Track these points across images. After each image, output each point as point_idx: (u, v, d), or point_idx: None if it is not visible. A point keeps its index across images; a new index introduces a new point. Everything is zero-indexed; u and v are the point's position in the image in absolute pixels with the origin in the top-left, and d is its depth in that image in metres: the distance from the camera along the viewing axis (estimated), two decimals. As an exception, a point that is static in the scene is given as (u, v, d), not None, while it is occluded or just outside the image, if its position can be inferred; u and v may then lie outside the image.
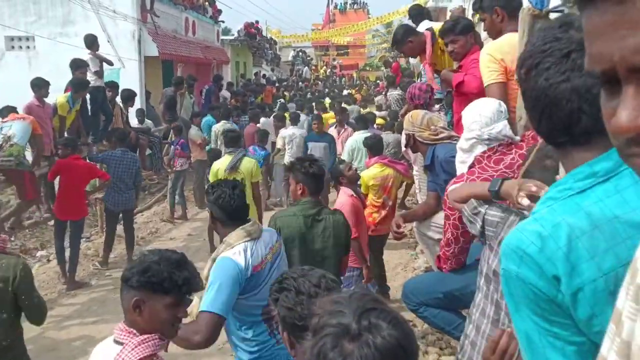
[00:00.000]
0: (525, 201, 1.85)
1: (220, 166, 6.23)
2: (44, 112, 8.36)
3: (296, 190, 3.64)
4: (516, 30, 3.26)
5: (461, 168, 2.99)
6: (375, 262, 5.87)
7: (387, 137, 8.67)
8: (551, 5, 2.84)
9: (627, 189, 1.03)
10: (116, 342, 1.97)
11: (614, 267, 0.98)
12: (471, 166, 2.84)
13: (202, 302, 2.59)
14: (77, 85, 8.75)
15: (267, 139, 9.21)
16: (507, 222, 2.12)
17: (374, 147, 6.27)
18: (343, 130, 9.65)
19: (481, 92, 3.54)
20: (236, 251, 2.71)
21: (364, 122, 8.64)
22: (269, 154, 9.40)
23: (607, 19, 0.59)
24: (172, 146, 9.78)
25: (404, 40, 4.97)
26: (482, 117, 2.85)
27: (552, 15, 2.85)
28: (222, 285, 2.58)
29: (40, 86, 8.27)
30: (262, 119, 11.02)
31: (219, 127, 9.68)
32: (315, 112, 12.15)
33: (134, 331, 1.95)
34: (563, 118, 1.09)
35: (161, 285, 1.95)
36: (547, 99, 1.11)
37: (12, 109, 8.01)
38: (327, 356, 1.10)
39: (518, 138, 2.84)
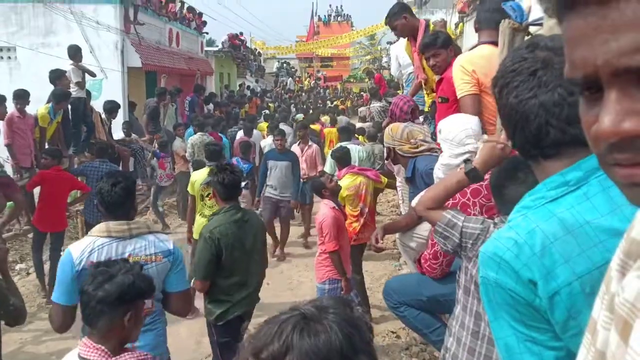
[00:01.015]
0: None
1: (197, 178, 6.16)
2: (24, 123, 8.28)
3: (215, 196, 4.09)
4: (488, 43, 3.32)
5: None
6: (358, 272, 5.88)
7: (374, 147, 8.72)
8: (531, 19, 2.88)
9: (595, 196, 1.08)
10: (82, 358, 2.01)
11: (588, 270, 1.03)
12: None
13: None
14: (59, 97, 8.66)
15: (250, 151, 8.87)
16: (487, 233, 2.14)
17: (341, 159, 6.39)
18: (307, 147, 9.02)
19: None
20: (80, 243, 2.86)
21: (347, 133, 8.65)
22: (252, 166, 9.23)
23: (588, 23, 0.59)
24: (155, 157, 9.72)
25: (400, 14, 4.91)
26: (472, 129, 2.87)
27: (532, 29, 2.90)
28: (58, 275, 2.80)
29: (21, 97, 8.18)
30: (255, 132, 11.01)
31: (196, 138, 9.69)
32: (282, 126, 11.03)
33: (103, 348, 2.00)
34: (533, 132, 1.16)
35: (148, 292, 2.17)
36: (517, 114, 1.19)
37: None
38: (318, 348, 1.01)
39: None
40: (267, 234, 5.71)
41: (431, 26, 4.69)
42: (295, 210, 9.00)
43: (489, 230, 2.15)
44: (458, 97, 3.36)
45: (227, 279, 3.84)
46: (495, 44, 3.32)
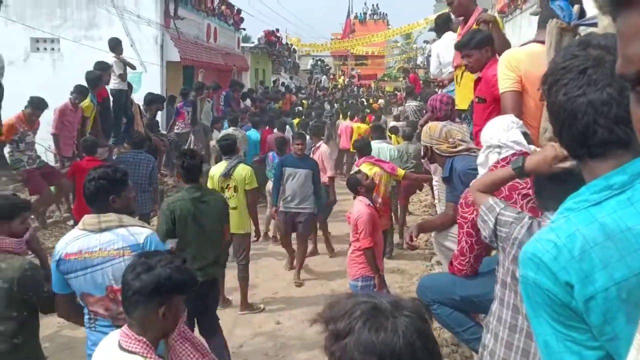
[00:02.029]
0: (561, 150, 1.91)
1: (215, 172, 6.23)
2: (74, 116, 8.58)
3: (178, 177, 4.62)
4: (540, 42, 3.26)
5: None
6: None
7: (408, 147, 8.67)
8: (581, 19, 2.83)
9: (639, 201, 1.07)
10: (123, 349, 1.99)
11: (626, 276, 1.02)
12: None
13: None
14: (93, 81, 8.92)
15: (286, 147, 8.42)
16: (521, 223, 2.14)
17: (361, 149, 6.75)
18: (314, 147, 8.40)
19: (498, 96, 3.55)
20: (67, 234, 3.00)
21: (380, 131, 8.64)
22: None
23: None
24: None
25: None
26: (495, 127, 2.87)
27: (581, 29, 2.85)
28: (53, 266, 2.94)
29: (81, 93, 8.53)
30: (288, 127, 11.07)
31: (229, 133, 9.73)
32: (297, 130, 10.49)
33: (144, 339, 2.00)
34: (580, 130, 1.17)
35: (185, 286, 2.10)
36: (565, 112, 1.19)
37: None
38: (377, 341, 1.07)
39: (532, 147, 2.84)
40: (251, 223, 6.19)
41: (498, 21, 4.60)
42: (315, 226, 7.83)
43: (523, 221, 2.14)
44: (500, 92, 3.31)
45: (182, 251, 4.23)
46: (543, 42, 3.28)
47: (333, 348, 1.12)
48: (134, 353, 1.97)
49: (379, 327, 1.09)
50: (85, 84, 8.88)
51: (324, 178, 7.88)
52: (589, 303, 1.04)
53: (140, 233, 2.90)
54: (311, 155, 7.96)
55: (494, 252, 3.22)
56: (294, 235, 7.29)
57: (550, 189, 2.05)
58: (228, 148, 6.33)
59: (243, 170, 6.11)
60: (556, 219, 1.15)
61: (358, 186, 5.14)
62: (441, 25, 6.62)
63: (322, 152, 8.15)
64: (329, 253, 8.06)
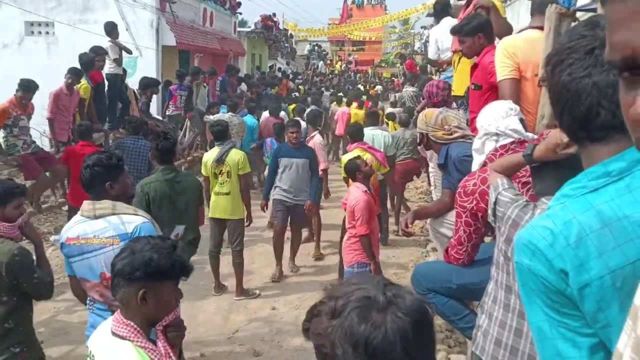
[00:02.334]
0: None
1: (208, 158, 6.20)
2: (70, 100, 8.50)
3: (153, 159, 4.73)
4: (537, 28, 3.24)
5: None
6: None
7: (404, 133, 8.66)
8: (579, 4, 2.81)
9: (638, 189, 1.06)
10: (114, 334, 1.99)
11: (621, 265, 1.02)
12: (483, 164, 2.84)
13: None
14: (86, 64, 8.86)
15: (283, 133, 8.56)
16: (516, 203, 2.14)
17: (354, 134, 6.75)
18: (310, 136, 8.06)
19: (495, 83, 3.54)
20: (72, 219, 3.05)
21: (374, 117, 8.61)
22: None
23: (627, 7, 0.61)
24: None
25: None
26: (491, 114, 2.87)
27: (579, 14, 2.83)
28: None
29: (75, 74, 8.44)
30: (282, 113, 11.00)
31: (225, 118, 9.55)
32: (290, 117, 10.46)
33: (132, 324, 1.99)
34: (583, 112, 1.14)
35: (166, 273, 2.04)
36: (568, 93, 1.16)
37: None
38: (358, 330, 1.08)
39: (530, 135, 2.84)
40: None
41: (498, 6, 4.57)
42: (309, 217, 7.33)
43: (519, 202, 2.14)
44: (497, 80, 3.30)
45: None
46: (541, 28, 3.25)
47: (322, 325, 1.13)
48: (124, 338, 1.96)
49: (364, 318, 1.09)
50: (79, 66, 8.83)
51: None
52: (583, 291, 1.03)
53: (131, 222, 2.90)
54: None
55: (488, 239, 3.23)
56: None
57: (545, 174, 2.05)
58: (220, 134, 6.29)
59: (236, 155, 6.08)
60: (552, 205, 1.14)
61: (357, 172, 5.13)
62: (440, 11, 6.60)
63: (315, 142, 7.68)
64: (315, 254, 7.56)
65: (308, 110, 10.04)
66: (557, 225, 1.07)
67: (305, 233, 7.71)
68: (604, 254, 1.03)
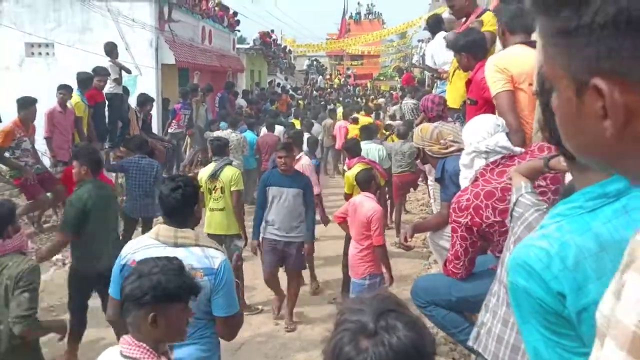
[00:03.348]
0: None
1: (203, 174, 6.21)
2: (65, 118, 8.53)
3: (80, 171, 4.56)
4: (522, 44, 3.29)
5: (465, 184, 3.03)
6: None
7: (403, 146, 8.69)
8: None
9: (635, 210, 1.06)
10: (124, 356, 1.98)
11: None
12: (475, 179, 2.88)
13: None
14: (83, 82, 8.91)
15: (317, 147, 8.33)
16: (537, 207, 2.15)
17: (351, 149, 6.86)
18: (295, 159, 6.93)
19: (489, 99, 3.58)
20: (134, 240, 2.96)
21: (367, 132, 8.68)
22: (319, 163, 8.99)
23: None
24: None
25: None
26: (479, 131, 2.89)
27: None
28: (113, 269, 2.90)
29: (65, 88, 8.47)
30: (316, 125, 10.91)
31: (225, 135, 9.65)
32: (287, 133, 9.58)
33: (144, 345, 1.98)
34: None
35: (175, 296, 2.04)
36: None
37: None
38: (343, 349, 1.15)
39: (518, 149, 2.88)
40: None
41: (487, 23, 4.64)
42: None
43: (540, 208, 2.14)
44: (492, 95, 3.33)
45: (87, 245, 4.53)
46: (528, 44, 3.29)
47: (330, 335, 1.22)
48: (135, 359, 1.96)
49: (351, 340, 1.15)
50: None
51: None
52: (581, 314, 1.03)
53: (215, 257, 2.77)
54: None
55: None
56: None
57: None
58: (219, 149, 6.34)
59: (230, 172, 6.09)
60: (546, 224, 1.13)
61: (372, 181, 5.23)
62: (433, 26, 6.68)
63: (304, 165, 6.72)
64: (311, 284, 6.81)
65: (292, 132, 9.33)
66: (553, 246, 1.07)
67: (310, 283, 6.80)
68: (603, 278, 1.02)
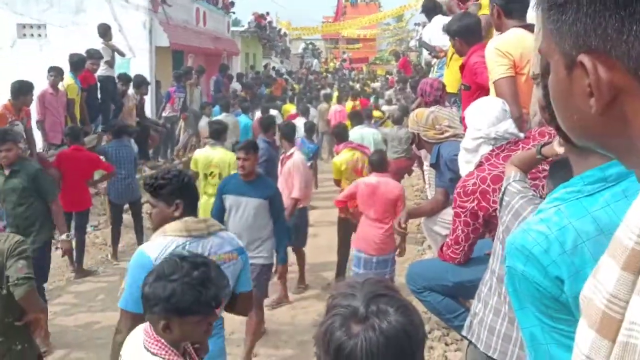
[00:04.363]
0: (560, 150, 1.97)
1: (199, 155, 6.29)
2: (56, 100, 8.43)
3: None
4: (518, 26, 3.25)
5: (466, 168, 3.01)
6: (342, 249, 6.26)
7: (399, 132, 8.66)
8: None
9: (635, 194, 1.03)
10: (146, 348, 1.92)
11: None
12: (480, 164, 2.85)
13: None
14: (76, 64, 8.81)
15: (314, 132, 8.25)
16: (522, 194, 2.14)
17: (339, 134, 6.79)
18: (285, 157, 6.20)
19: (485, 85, 3.55)
20: (155, 243, 2.59)
21: (357, 117, 8.70)
22: (318, 147, 8.98)
23: None
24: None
25: None
26: (488, 117, 2.87)
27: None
28: (131, 279, 2.52)
29: (56, 70, 8.38)
30: (312, 110, 10.88)
31: (220, 118, 9.56)
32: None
33: (162, 341, 1.91)
34: None
35: (189, 309, 1.88)
36: None
37: None
38: (334, 334, 1.15)
39: (523, 135, 2.86)
40: None
41: (484, 3, 4.62)
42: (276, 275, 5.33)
43: (526, 195, 2.13)
44: (492, 81, 3.28)
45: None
46: (526, 27, 3.25)
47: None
48: (155, 355, 1.89)
49: (342, 325, 1.15)
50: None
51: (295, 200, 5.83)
52: (578, 299, 1.02)
53: (234, 237, 2.83)
54: (280, 166, 6.06)
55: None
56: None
57: (561, 175, 2.04)
58: (217, 133, 6.36)
59: (226, 156, 6.07)
60: (545, 208, 1.12)
61: (387, 162, 5.56)
62: (430, 9, 6.62)
63: (295, 162, 5.93)
64: (297, 286, 6.32)
65: (281, 122, 8.52)
66: (552, 230, 1.06)
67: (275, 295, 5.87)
68: None
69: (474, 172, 2.84)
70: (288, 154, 6.07)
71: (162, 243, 2.55)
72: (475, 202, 2.76)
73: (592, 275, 0.68)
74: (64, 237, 5.24)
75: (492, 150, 2.83)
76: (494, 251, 2.33)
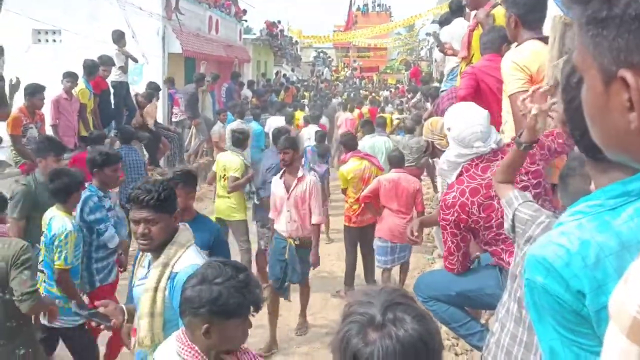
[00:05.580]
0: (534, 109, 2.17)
1: (219, 159, 6.66)
2: (70, 105, 8.51)
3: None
4: (535, 38, 3.23)
5: (450, 177, 3.08)
6: (350, 256, 6.44)
7: (410, 141, 8.65)
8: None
9: None
10: (179, 355, 1.94)
11: None
12: (459, 174, 2.92)
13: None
14: (88, 68, 8.90)
15: (324, 140, 8.70)
16: (537, 221, 2.15)
17: (348, 143, 6.86)
18: (296, 180, 5.25)
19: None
20: (197, 257, 2.53)
21: (369, 125, 8.72)
22: (328, 169, 8.70)
23: None
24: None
25: None
26: (481, 132, 2.88)
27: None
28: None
29: (72, 76, 8.47)
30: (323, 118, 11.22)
31: (234, 125, 9.67)
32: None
33: (196, 348, 1.93)
34: None
35: (234, 312, 1.90)
36: None
37: None
38: (351, 341, 1.15)
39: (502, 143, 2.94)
40: None
41: (497, 15, 4.59)
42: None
43: (539, 220, 2.15)
44: (508, 94, 3.25)
45: None
46: (541, 39, 3.24)
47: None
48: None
49: (359, 332, 1.16)
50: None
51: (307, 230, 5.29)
52: (600, 313, 1.01)
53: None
54: (292, 188, 5.20)
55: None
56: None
57: (573, 183, 2.05)
58: (238, 142, 6.75)
59: (236, 160, 6.47)
60: (565, 221, 1.10)
61: (403, 160, 6.29)
62: (455, 10, 6.64)
63: (311, 186, 5.24)
64: (298, 328, 5.73)
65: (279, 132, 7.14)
66: (573, 244, 1.04)
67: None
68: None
69: (454, 185, 2.92)
70: (300, 176, 5.25)
71: (197, 252, 2.58)
72: (456, 214, 2.84)
73: (623, 281, 0.68)
74: None
75: (472, 161, 2.89)
76: (512, 275, 2.35)
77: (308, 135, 10.16)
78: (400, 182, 5.95)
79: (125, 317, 2.58)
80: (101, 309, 2.59)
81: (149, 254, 2.62)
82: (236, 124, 9.75)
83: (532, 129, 2.31)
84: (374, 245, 6.18)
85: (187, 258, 2.50)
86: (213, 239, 3.51)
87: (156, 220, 2.48)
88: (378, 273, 6.45)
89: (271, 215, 5.49)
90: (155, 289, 2.46)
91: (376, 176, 6.38)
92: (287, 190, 5.23)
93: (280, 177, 5.35)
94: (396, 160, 6.25)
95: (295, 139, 5.61)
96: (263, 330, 5.45)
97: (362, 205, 6.11)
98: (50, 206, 4.19)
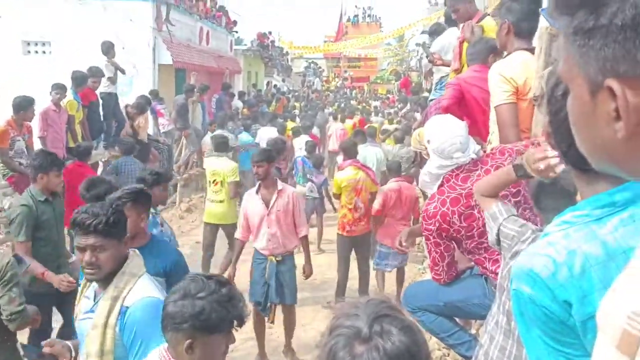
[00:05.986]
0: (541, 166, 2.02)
1: (206, 165, 7.05)
2: (59, 117, 8.46)
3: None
4: (524, 49, 3.24)
5: (432, 187, 3.08)
6: (342, 266, 6.43)
7: (400, 151, 8.69)
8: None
9: None
10: None
11: None
12: (440, 184, 2.93)
13: None
14: (77, 79, 8.87)
15: (315, 150, 8.95)
16: (523, 237, 2.15)
17: (348, 150, 6.80)
18: (276, 193, 5.01)
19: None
20: (150, 285, 2.35)
21: (361, 135, 8.72)
22: (326, 179, 8.65)
23: None
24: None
25: None
26: (460, 143, 2.86)
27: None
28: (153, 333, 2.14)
29: (60, 87, 8.41)
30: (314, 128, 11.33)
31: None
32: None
33: None
34: None
35: (217, 327, 1.86)
36: None
37: None
38: (337, 355, 1.14)
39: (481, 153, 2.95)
40: None
41: (486, 26, 4.60)
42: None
43: (525, 235, 2.15)
44: (493, 105, 3.27)
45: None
46: (530, 50, 3.25)
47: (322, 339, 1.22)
48: None
49: (346, 345, 1.14)
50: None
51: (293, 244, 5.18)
52: (587, 323, 1.01)
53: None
54: (273, 202, 4.95)
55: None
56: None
57: (545, 205, 2.05)
58: (221, 145, 6.94)
59: (229, 165, 6.68)
60: (552, 231, 1.11)
61: (401, 168, 6.68)
62: (450, 19, 6.66)
63: (291, 197, 5.08)
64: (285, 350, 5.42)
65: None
66: (560, 253, 1.05)
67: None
68: (609, 287, 0.95)
69: (435, 195, 2.93)
70: (280, 189, 5.04)
71: (151, 281, 2.41)
72: (437, 224, 2.85)
73: (611, 291, 0.68)
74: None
75: (452, 171, 2.89)
76: (500, 287, 2.36)
77: (299, 146, 10.17)
78: (403, 191, 6.31)
79: (73, 354, 2.42)
80: (46, 349, 2.42)
81: (94, 283, 2.40)
82: (217, 134, 9.70)
83: (537, 174, 2.15)
84: (375, 250, 6.33)
85: (140, 290, 2.30)
86: (169, 264, 3.15)
87: (104, 247, 2.26)
88: (372, 275, 6.54)
89: (239, 235, 5.07)
90: (105, 325, 2.24)
91: (369, 190, 6.39)
92: (267, 206, 4.95)
93: (257, 192, 5.01)
94: (395, 168, 6.65)
95: (271, 152, 5.30)
96: (253, 343, 5.41)
97: (370, 217, 6.38)
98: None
